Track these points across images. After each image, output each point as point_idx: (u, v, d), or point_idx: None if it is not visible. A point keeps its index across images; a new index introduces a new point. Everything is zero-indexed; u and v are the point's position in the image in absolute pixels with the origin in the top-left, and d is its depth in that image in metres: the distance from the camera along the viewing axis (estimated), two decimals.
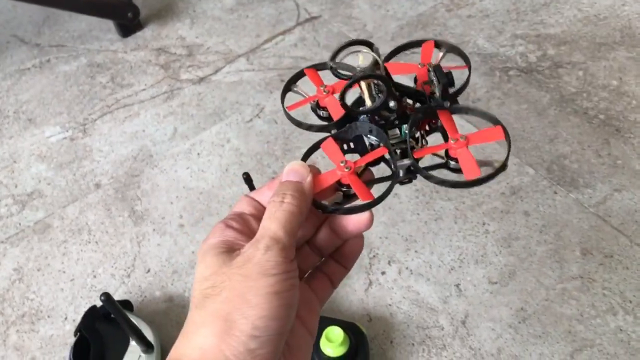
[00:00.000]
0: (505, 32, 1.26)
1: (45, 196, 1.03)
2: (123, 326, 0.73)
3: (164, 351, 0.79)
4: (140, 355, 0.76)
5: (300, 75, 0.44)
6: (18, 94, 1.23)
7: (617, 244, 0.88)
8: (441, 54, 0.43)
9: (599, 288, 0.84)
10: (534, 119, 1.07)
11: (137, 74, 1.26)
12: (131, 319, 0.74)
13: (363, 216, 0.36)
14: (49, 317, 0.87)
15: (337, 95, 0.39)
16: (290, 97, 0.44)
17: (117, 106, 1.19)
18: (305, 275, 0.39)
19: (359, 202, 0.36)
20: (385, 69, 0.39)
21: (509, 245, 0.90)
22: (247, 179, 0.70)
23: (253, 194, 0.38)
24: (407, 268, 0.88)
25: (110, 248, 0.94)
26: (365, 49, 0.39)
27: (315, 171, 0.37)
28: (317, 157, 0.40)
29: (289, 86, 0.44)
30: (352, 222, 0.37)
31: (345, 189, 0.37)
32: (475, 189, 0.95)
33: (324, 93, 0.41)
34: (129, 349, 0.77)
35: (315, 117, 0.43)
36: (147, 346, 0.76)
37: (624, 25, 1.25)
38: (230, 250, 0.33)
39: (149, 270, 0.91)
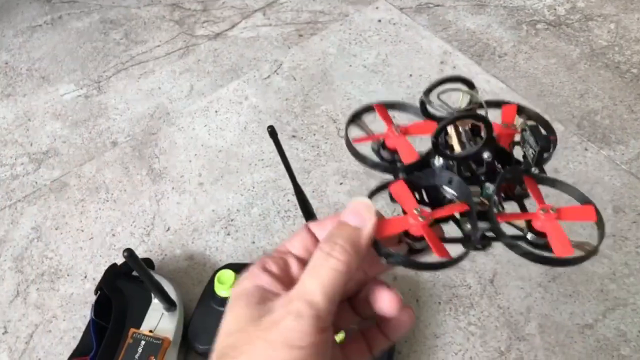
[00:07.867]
0: None
1: (61, 154, 1.01)
2: (147, 283, 0.71)
3: (186, 309, 0.78)
4: (163, 313, 0.75)
5: (367, 109, 0.40)
6: (30, 51, 1.20)
7: None
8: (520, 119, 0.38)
9: (632, 246, 0.81)
10: (563, 73, 1.03)
11: (151, 30, 1.22)
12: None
13: (394, 301, 0.32)
14: (68, 275, 0.85)
15: (431, 136, 0.34)
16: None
17: (132, 63, 1.16)
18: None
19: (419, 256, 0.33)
20: (487, 114, 0.34)
21: None
22: (272, 132, 0.67)
23: (314, 226, 0.33)
24: None
25: (128, 206, 0.92)
26: (464, 88, 0.35)
27: (380, 216, 0.32)
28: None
29: (354, 119, 0.39)
30: (386, 302, 0.32)
31: (411, 241, 0.32)
32: None
33: (396, 133, 0.37)
34: (151, 307, 0.75)
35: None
36: (169, 304, 0.74)
37: None
38: (262, 300, 0.30)
39: (168, 229, 0.89)
